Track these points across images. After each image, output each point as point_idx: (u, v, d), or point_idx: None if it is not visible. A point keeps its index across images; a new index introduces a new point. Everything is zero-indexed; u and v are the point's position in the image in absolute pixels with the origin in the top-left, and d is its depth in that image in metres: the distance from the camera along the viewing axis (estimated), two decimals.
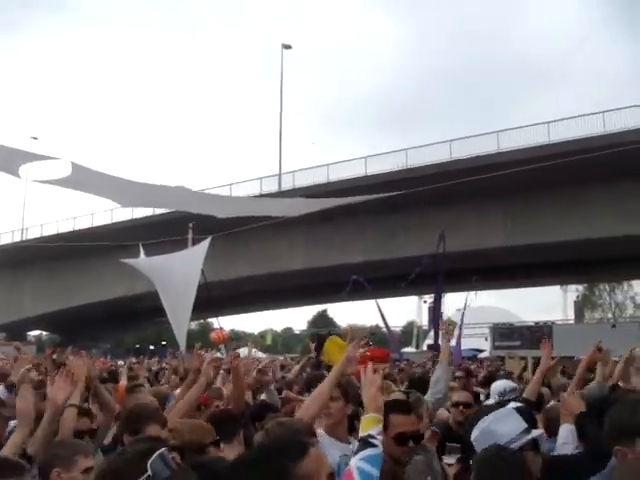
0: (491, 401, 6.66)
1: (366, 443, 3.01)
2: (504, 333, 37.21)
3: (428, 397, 5.96)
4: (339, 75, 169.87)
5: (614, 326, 36.07)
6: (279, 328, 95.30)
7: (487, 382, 9.57)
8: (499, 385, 7.41)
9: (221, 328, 21.11)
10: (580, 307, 69.93)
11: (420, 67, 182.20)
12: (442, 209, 34.00)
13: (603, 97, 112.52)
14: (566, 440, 4.66)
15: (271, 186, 42.85)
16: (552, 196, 33.27)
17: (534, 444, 3.57)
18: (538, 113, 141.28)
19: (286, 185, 42.41)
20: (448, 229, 18.76)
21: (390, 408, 3.90)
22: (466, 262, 32.70)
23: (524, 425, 3.57)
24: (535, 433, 3.57)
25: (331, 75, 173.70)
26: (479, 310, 38.03)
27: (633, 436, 2.83)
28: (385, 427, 3.59)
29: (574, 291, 72.73)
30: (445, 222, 28.46)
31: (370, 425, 3.13)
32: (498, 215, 35.52)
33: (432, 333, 33.87)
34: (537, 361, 9.35)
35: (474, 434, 3.57)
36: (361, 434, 3.10)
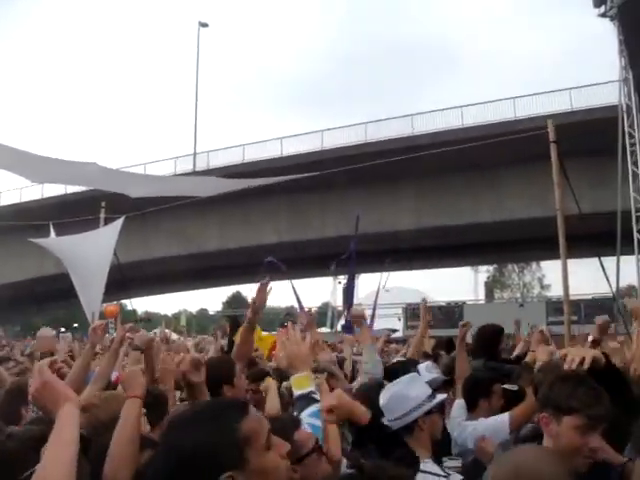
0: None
1: (310, 399, 3.08)
2: (417, 313, 37.72)
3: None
4: (258, 56, 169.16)
5: (522, 305, 37.17)
6: (193, 309, 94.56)
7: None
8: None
9: (116, 304, 20.80)
10: (490, 287, 71.81)
11: (339, 51, 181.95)
12: (357, 191, 34.26)
13: (515, 83, 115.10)
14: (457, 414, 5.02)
15: (186, 166, 42.33)
16: (464, 179, 33.92)
17: (440, 407, 3.83)
18: (451, 97, 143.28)
19: (201, 165, 41.95)
20: (362, 211, 18.95)
21: None
22: (380, 243, 33.11)
23: (430, 390, 3.73)
24: (440, 397, 3.73)
25: (250, 55, 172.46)
26: (392, 291, 38.42)
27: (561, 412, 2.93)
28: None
29: (485, 272, 74.57)
30: (360, 204, 28.73)
31: (307, 382, 3.17)
32: (411, 197, 36.01)
33: (347, 313, 34.25)
34: (449, 340, 9.56)
35: (384, 398, 3.66)
36: (301, 392, 3.14)
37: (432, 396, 3.71)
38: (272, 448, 1.93)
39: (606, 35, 14.85)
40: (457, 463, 4.14)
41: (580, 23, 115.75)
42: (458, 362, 6.28)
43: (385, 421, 3.67)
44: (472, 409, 5.14)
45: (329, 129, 38.74)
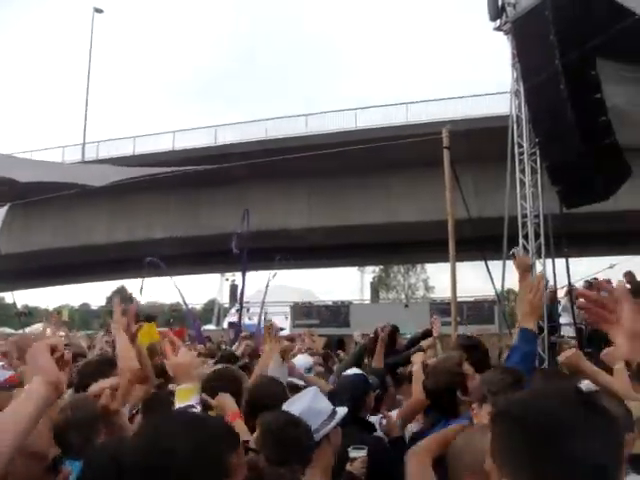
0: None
1: None
2: (304, 311, 37.99)
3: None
4: (155, 46, 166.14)
5: (407, 306, 37.95)
6: (76, 303, 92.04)
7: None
8: (301, 360, 7.60)
9: None
10: (376, 288, 72.98)
11: (241, 44, 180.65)
12: (250, 187, 34.18)
13: (410, 88, 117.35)
14: None
15: (74, 155, 41.17)
16: (356, 180, 34.35)
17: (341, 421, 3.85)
18: (346, 99, 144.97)
19: (90, 155, 40.91)
20: (255, 207, 18.99)
21: None
22: (270, 241, 33.13)
23: (330, 404, 3.83)
24: (342, 411, 3.81)
25: (147, 45, 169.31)
26: (280, 289, 38.51)
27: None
28: None
29: (371, 272, 75.80)
30: (252, 200, 28.69)
31: (191, 395, 3.11)
32: (303, 196, 36.20)
33: (234, 310, 34.10)
34: (339, 339, 9.69)
35: (295, 411, 3.65)
36: (184, 404, 3.06)
37: (334, 410, 3.80)
38: None
39: (501, 48, 15.35)
40: (362, 453, 4.19)
41: (477, 35, 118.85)
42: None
43: None
44: None
45: (224, 124, 38.59)
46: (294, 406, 3.69)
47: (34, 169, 10.27)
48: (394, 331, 7.81)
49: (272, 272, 21.72)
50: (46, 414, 2.58)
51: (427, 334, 8.21)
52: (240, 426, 3.58)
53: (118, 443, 2.70)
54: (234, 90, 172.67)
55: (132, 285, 67.95)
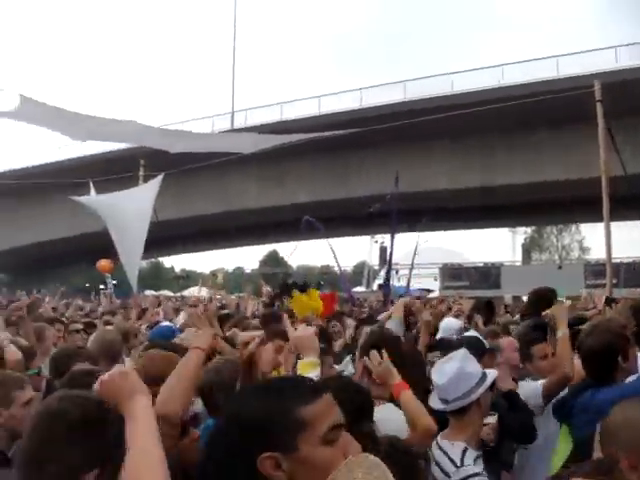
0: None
1: None
2: (453, 274, 37.72)
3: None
4: (296, 12, 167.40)
5: (560, 267, 36.84)
6: (230, 267, 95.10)
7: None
8: (452, 322, 7.52)
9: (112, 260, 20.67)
10: (527, 249, 71.19)
11: (376, 8, 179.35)
12: (395, 150, 34.02)
13: (556, 41, 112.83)
14: None
15: (223, 124, 42.23)
16: (503, 139, 33.51)
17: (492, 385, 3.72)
18: (493, 56, 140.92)
19: (239, 123, 41.86)
20: (401, 169, 18.84)
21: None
22: (416, 203, 32.92)
23: (480, 367, 3.72)
24: (492, 374, 3.70)
25: (288, 12, 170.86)
26: (430, 251, 38.31)
27: None
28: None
29: (522, 233, 73.85)
30: (397, 163, 28.51)
31: (311, 368, 3.12)
32: (448, 157, 35.63)
33: (383, 273, 34.23)
34: (488, 302, 9.51)
35: (445, 378, 3.60)
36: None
37: (485, 373, 3.69)
38: (333, 444, 1.76)
39: None
40: (492, 419, 4.07)
41: None
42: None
43: (438, 402, 3.63)
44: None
45: (367, 87, 38.40)
46: (445, 368, 3.63)
47: (185, 139, 10.63)
48: (550, 293, 7.45)
49: (421, 235, 21.50)
50: (180, 380, 2.69)
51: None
52: (407, 397, 3.54)
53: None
54: (378, 52, 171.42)
55: (283, 248, 69.24)
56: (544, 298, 7.29)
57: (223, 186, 40.68)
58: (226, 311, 11.12)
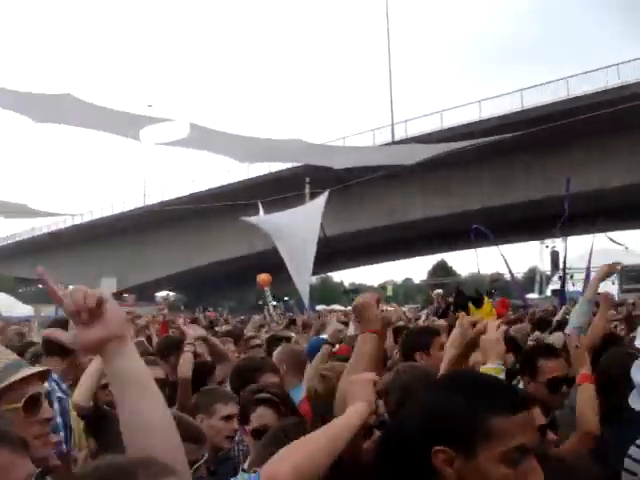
0: None
1: None
2: (633, 276, 35.91)
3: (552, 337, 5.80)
4: (446, 19, 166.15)
5: None
6: (399, 279, 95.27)
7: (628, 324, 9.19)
8: None
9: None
10: None
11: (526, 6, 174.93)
12: (560, 149, 32.92)
13: None
14: None
15: (384, 136, 42.45)
16: None
17: None
18: None
19: (399, 134, 41.94)
20: (567, 169, 18.19)
21: (538, 353, 3.84)
22: (588, 203, 31.66)
23: None
24: None
25: (438, 19, 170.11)
26: (605, 252, 36.75)
27: None
28: (534, 374, 3.63)
29: None
30: (564, 163, 27.58)
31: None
32: (622, 153, 33.98)
33: (555, 278, 33.12)
34: None
35: None
36: None
37: None
38: (513, 466, 1.65)
39: None
40: None
41: None
42: None
43: (636, 401, 3.39)
44: None
45: (528, 87, 37.43)
46: None
47: (347, 155, 10.72)
48: None
49: (598, 235, 20.60)
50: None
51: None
52: (588, 390, 3.50)
53: None
54: (535, 51, 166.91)
55: (451, 258, 68.77)
56: None
57: (387, 199, 40.79)
58: (401, 323, 11.10)
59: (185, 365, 4.73)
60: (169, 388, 4.56)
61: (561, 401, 3.80)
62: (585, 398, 3.49)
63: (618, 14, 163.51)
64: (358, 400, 2.10)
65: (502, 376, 2.99)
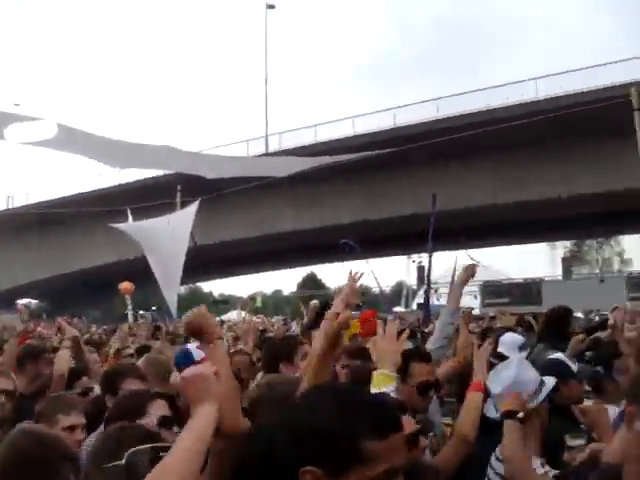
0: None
1: None
2: (493, 291, 37.25)
3: (429, 346, 5.94)
4: (325, 36, 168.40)
5: (602, 281, 36.19)
6: (268, 290, 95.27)
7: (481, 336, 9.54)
8: (513, 338, 7.41)
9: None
10: (568, 263, 70.32)
11: (404, 26, 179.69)
12: (430, 168, 33.92)
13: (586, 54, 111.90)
14: None
15: (258, 148, 42.51)
16: (537, 152, 33.21)
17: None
18: (522, 70, 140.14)
19: (273, 146, 42.12)
20: (438, 186, 18.77)
21: (411, 357, 3.86)
22: (455, 221, 32.73)
23: (538, 374, 3.60)
24: (550, 382, 3.59)
25: (316, 35, 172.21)
26: None
27: None
28: (405, 377, 3.65)
29: (561, 248, 73.15)
30: (434, 181, 28.43)
31: (387, 381, 3.04)
32: (486, 173, 35.37)
33: (421, 292, 33.98)
34: (534, 316, 9.37)
35: (501, 385, 3.50)
36: (378, 390, 2.97)
37: (542, 380, 3.59)
38: None
39: None
40: (581, 441, 3.80)
41: None
42: None
43: (491, 410, 3.54)
44: None
45: (401, 106, 38.44)
46: (500, 377, 3.55)
47: (220, 165, 10.65)
48: (566, 313, 7.39)
49: (462, 252, 21.32)
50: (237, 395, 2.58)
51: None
52: (470, 401, 3.58)
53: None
54: (410, 70, 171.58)
55: (321, 271, 69.41)
56: (560, 318, 7.21)
57: (258, 210, 40.77)
58: (270, 334, 11.13)
59: (60, 362, 4.63)
60: (20, 399, 4.43)
61: (426, 405, 3.88)
62: (470, 406, 3.57)
63: (486, 39, 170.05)
64: (200, 402, 1.98)
65: (394, 384, 3.05)
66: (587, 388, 5.03)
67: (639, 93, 9.76)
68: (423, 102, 37.80)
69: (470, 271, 5.84)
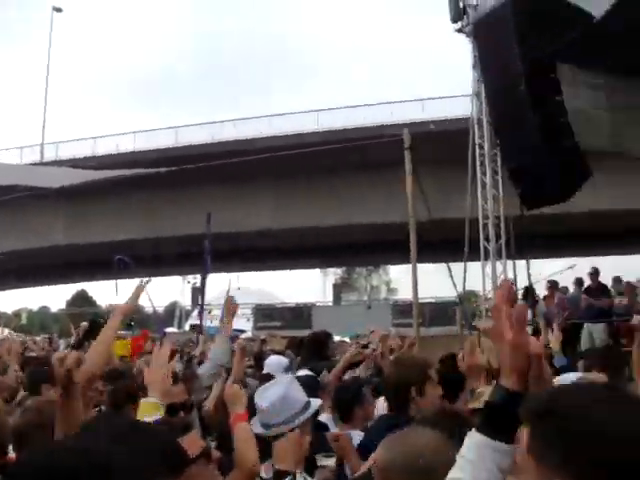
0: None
1: None
2: (266, 314, 37.82)
3: (201, 371, 5.91)
4: (113, 46, 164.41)
5: (370, 307, 37.96)
6: (35, 306, 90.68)
7: (256, 360, 9.71)
8: (279, 360, 7.59)
9: None
10: (338, 289, 73.00)
11: (196, 47, 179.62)
12: (210, 189, 33.89)
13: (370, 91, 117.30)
14: None
15: (33, 156, 40.51)
16: (318, 182, 34.28)
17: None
18: (307, 102, 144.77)
19: (49, 156, 40.33)
20: (216, 208, 18.83)
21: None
22: (232, 242, 32.94)
23: (305, 394, 3.69)
24: (316, 402, 3.70)
25: (105, 44, 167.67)
26: (243, 291, 38.32)
27: None
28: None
29: (333, 274, 75.93)
30: (214, 201, 28.46)
31: (153, 410, 2.96)
32: (265, 198, 35.97)
33: (195, 313, 33.84)
34: (300, 340, 9.62)
35: (268, 402, 3.54)
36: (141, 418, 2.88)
37: (309, 401, 3.68)
38: None
39: (462, 49, 15.52)
40: (331, 461, 3.93)
41: (439, 36, 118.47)
42: None
43: (259, 426, 3.56)
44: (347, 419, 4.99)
45: (185, 125, 38.34)
46: (268, 393, 3.58)
47: None
48: (325, 335, 7.82)
49: (233, 275, 21.50)
50: None
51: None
52: (242, 431, 3.38)
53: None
54: (196, 89, 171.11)
55: (92, 288, 67.08)
56: (320, 341, 7.61)
57: (26, 221, 38.70)
58: (32, 353, 10.61)
59: None
60: None
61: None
62: (245, 437, 3.34)
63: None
64: None
65: (161, 412, 2.97)
66: None
67: (410, 134, 10.40)
68: (205, 124, 37.97)
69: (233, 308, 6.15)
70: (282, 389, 3.57)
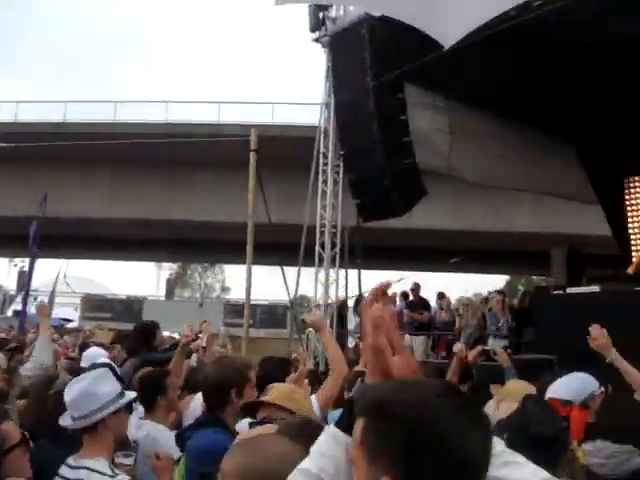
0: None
1: None
2: (95, 304, 36.95)
3: (24, 371, 5.77)
4: None
5: (201, 305, 37.93)
6: None
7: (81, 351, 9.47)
8: (99, 351, 7.47)
9: None
10: (172, 285, 72.26)
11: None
12: (50, 170, 32.66)
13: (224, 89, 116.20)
14: None
15: None
16: (161, 174, 33.80)
17: (129, 406, 3.76)
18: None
19: None
20: (52, 191, 18.18)
21: None
22: (66, 228, 31.89)
23: (119, 387, 3.67)
24: (129, 395, 3.70)
25: None
26: (73, 279, 37.16)
27: None
28: None
29: (168, 269, 75.06)
30: (49, 184, 27.42)
31: None
32: (104, 185, 35.02)
33: (19, 299, 32.45)
34: (128, 334, 9.48)
35: (70, 394, 3.53)
36: None
37: (122, 394, 3.65)
38: None
39: (317, 58, 15.84)
40: (130, 460, 3.97)
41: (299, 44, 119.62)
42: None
43: (67, 419, 3.55)
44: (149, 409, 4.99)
45: (25, 101, 36.77)
46: (75, 386, 3.55)
47: None
48: (152, 326, 7.82)
49: (64, 261, 20.85)
50: None
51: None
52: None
53: None
54: (37, 67, 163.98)
55: None
56: (148, 331, 7.63)
57: None
58: None
59: None
60: None
61: None
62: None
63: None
64: None
65: None
66: None
67: (258, 136, 10.47)
68: (50, 102, 36.52)
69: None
70: (85, 383, 3.56)
